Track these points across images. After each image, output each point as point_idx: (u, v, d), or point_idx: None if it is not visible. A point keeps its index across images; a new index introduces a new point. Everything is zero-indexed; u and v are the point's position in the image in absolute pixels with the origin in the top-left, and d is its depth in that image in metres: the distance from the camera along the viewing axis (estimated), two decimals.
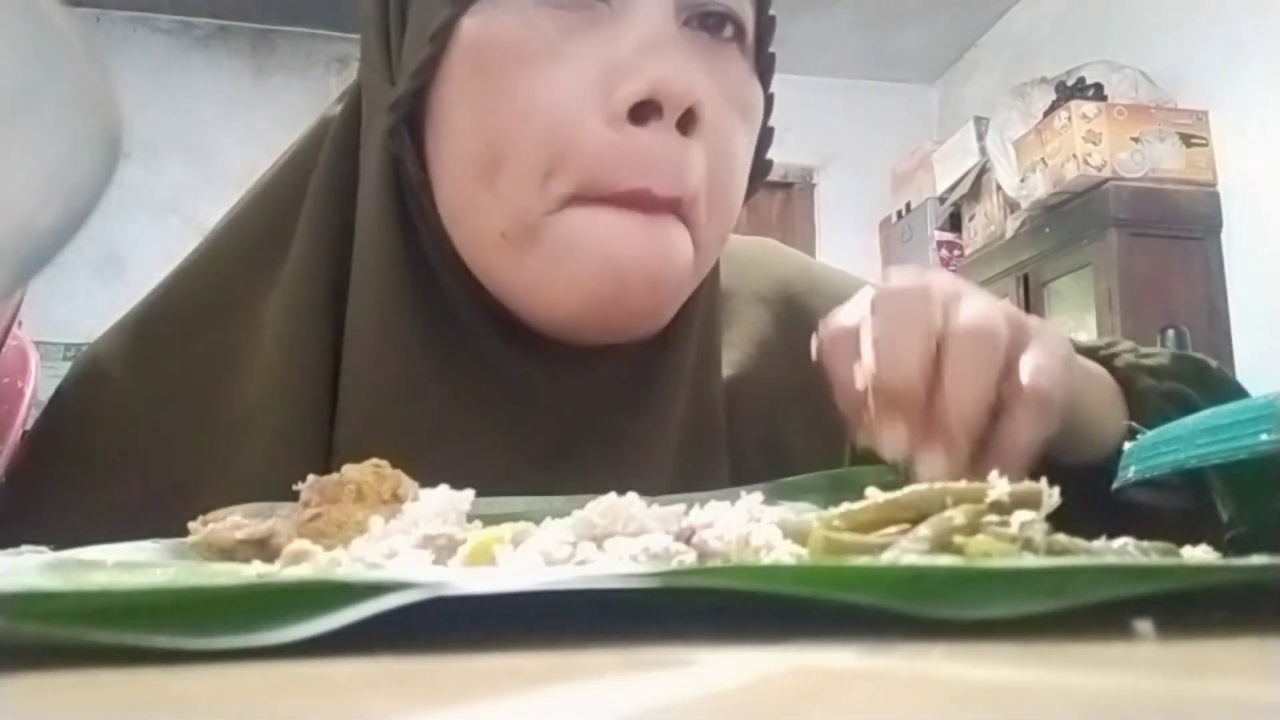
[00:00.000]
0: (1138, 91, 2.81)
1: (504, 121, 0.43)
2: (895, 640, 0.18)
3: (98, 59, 0.29)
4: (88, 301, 3.40)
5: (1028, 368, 0.36)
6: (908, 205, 3.75)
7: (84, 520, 0.46)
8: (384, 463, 0.36)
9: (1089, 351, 0.49)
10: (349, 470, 0.36)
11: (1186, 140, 2.70)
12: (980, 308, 0.37)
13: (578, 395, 0.48)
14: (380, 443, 0.40)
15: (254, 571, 0.27)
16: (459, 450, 0.46)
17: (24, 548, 0.34)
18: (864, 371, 0.36)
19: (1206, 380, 0.50)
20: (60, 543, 0.34)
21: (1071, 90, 2.84)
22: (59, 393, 0.55)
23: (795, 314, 0.56)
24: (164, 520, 0.37)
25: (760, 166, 0.50)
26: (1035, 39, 3.45)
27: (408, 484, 0.36)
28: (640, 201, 0.42)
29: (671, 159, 0.43)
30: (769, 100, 0.50)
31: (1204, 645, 0.18)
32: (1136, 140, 2.68)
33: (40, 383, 0.67)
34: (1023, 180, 2.92)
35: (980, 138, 3.27)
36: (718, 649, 0.18)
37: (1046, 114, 2.84)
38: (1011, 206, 3.06)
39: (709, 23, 0.46)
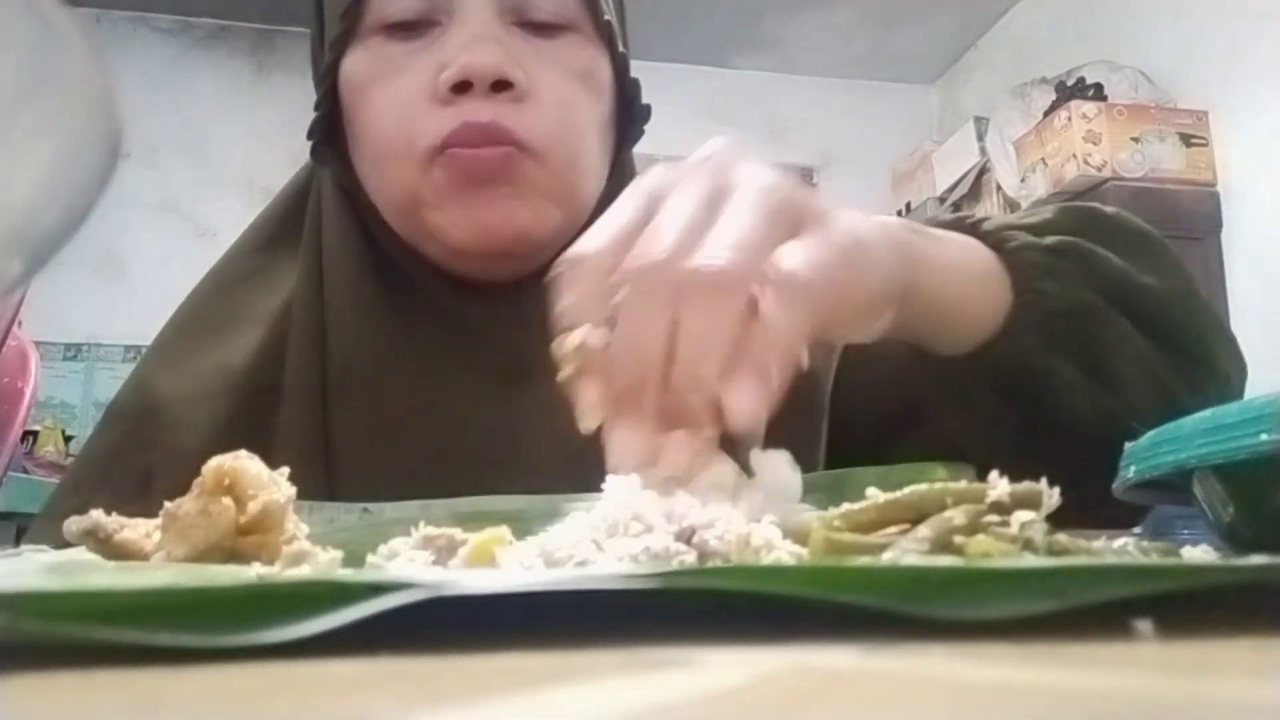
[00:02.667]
0: (1138, 91, 2.82)
1: (376, 125, 0.57)
2: (895, 640, 0.18)
3: (98, 59, 0.29)
4: (88, 301, 3.40)
5: (784, 255, 0.32)
6: (908, 205, 3.75)
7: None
8: (243, 452, 0.34)
9: (953, 225, 0.46)
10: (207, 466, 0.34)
11: (1186, 140, 2.70)
12: (735, 225, 0.32)
13: (511, 325, 0.56)
14: (363, 391, 0.57)
15: (254, 572, 0.27)
16: (421, 380, 0.57)
17: (23, 548, 0.34)
18: (584, 346, 0.33)
19: (1102, 226, 0.47)
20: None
21: (1071, 90, 2.84)
22: (112, 407, 0.62)
23: None
24: None
25: (637, 111, 0.62)
26: (1035, 39, 3.45)
27: (251, 480, 0.34)
28: (468, 136, 0.53)
29: (482, 104, 0.53)
30: (623, 59, 0.60)
31: (1204, 645, 0.18)
32: (1136, 140, 2.68)
33: (40, 382, 0.68)
34: (1023, 180, 2.92)
35: (980, 138, 3.27)
36: (718, 649, 0.18)
37: (1046, 114, 2.84)
38: (1011, 206, 3.06)
39: (540, 29, 0.57)
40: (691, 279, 0.31)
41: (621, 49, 0.61)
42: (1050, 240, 0.45)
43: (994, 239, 0.45)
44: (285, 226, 0.65)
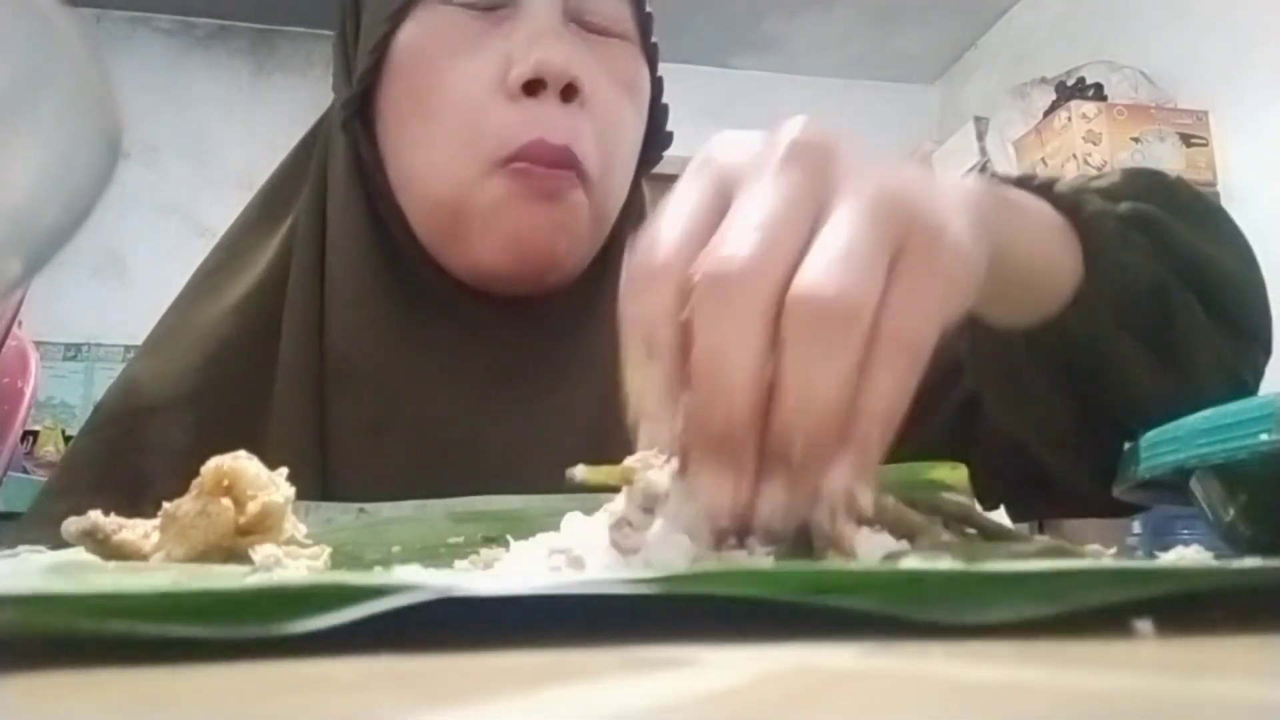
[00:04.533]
0: (1138, 91, 2.81)
1: (431, 108, 0.54)
2: (895, 640, 0.18)
3: (98, 59, 0.29)
4: (88, 301, 3.40)
5: (899, 308, 0.26)
6: None
7: None
8: (242, 453, 0.34)
9: (1019, 183, 0.42)
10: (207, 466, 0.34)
11: (1186, 140, 2.70)
12: (844, 238, 0.26)
13: (516, 325, 0.57)
14: (362, 390, 0.55)
15: (259, 574, 0.27)
16: (422, 379, 0.55)
17: (20, 548, 0.34)
18: (661, 384, 0.27)
19: (1169, 194, 0.44)
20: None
21: (1071, 90, 2.84)
22: (98, 409, 0.61)
23: None
24: None
25: (662, 138, 0.62)
26: (1035, 39, 3.45)
27: (250, 480, 0.33)
28: (540, 153, 0.52)
29: (556, 117, 0.52)
30: (658, 83, 0.61)
31: (1204, 645, 0.18)
32: (1136, 140, 2.68)
33: (40, 382, 0.68)
34: None
35: (980, 138, 3.27)
36: (718, 649, 0.18)
37: (1046, 114, 2.84)
38: None
39: (596, 27, 0.56)
40: (801, 306, 0.25)
41: (659, 73, 0.61)
42: (1124, 208, 0.41)
43: (1068, 202, 0.41)
44: (276, 209, 0.63)
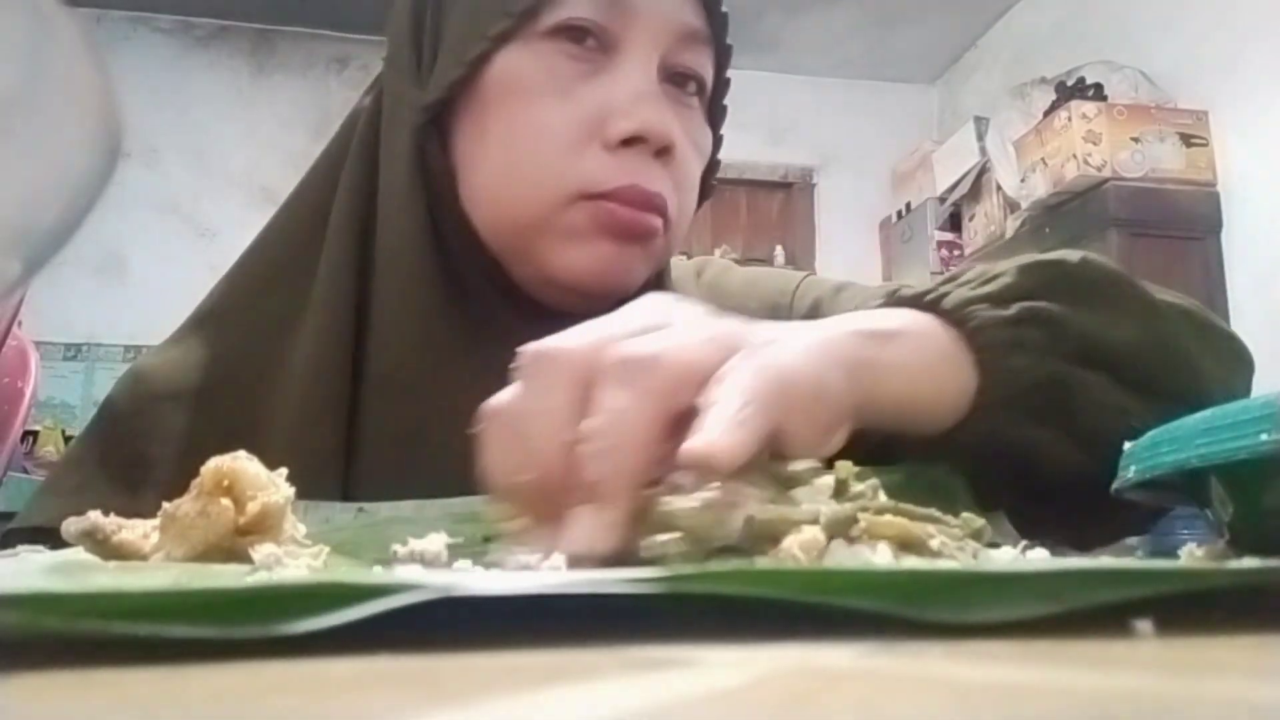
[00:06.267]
0: (1138, 91, 2.82)
1: (525, 140, 0.55)
2: (895, 640, 0.18)
3: (98, 59, 0.29)
4: (88, 301, 3.40)
5: (692, 438, 0.30)
6: (908, 205, 3.75)
7: None
8: (242, 453, 0.34)
9: (911, 302, 0.45)
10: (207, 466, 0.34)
11: (1186, 140, 2.70)
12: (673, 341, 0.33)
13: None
14: (400, 401, 0.55)
15: (260, 573, 0.27)
16: (466, 394, 0.53)
17: (20, 548, 0.34)
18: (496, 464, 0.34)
19: (1067, 282, 0.46)
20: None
21: (1071, 90, 2.84)
22: (109, 401, 0.60)
23: (719, 286, 0.68)
24: None
25: (705, 190, 0.64)
26: (1035, 39, 3.45)
27: (249, 480, 0.34)
28: (632, 197, 0.54)
29: (652, 169, 0.55)
30: (718, 141, 0.64)
31: (1204, 645, 0.18)
32: (1136, 140, 2.68)
33: (40, 382, 0.67)
34: (1023, 180, 2.92)
35: (980, 138, 3.27)
36: (718, 649, 0.18)
37: (1046, 114, 2.85)
38: (1011, 206, 3.07)
39: (679, 80, 0.59)
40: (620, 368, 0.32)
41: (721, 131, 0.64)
42: (1014, 310, 0.44)
43: (954, 317, 0.43)
44: (313, 224, 0.61)
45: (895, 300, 0.46)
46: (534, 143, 0.55)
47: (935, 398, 0.42)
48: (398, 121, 0.59)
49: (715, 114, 0.63)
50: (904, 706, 0.14)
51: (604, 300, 0.55)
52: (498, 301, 0.57)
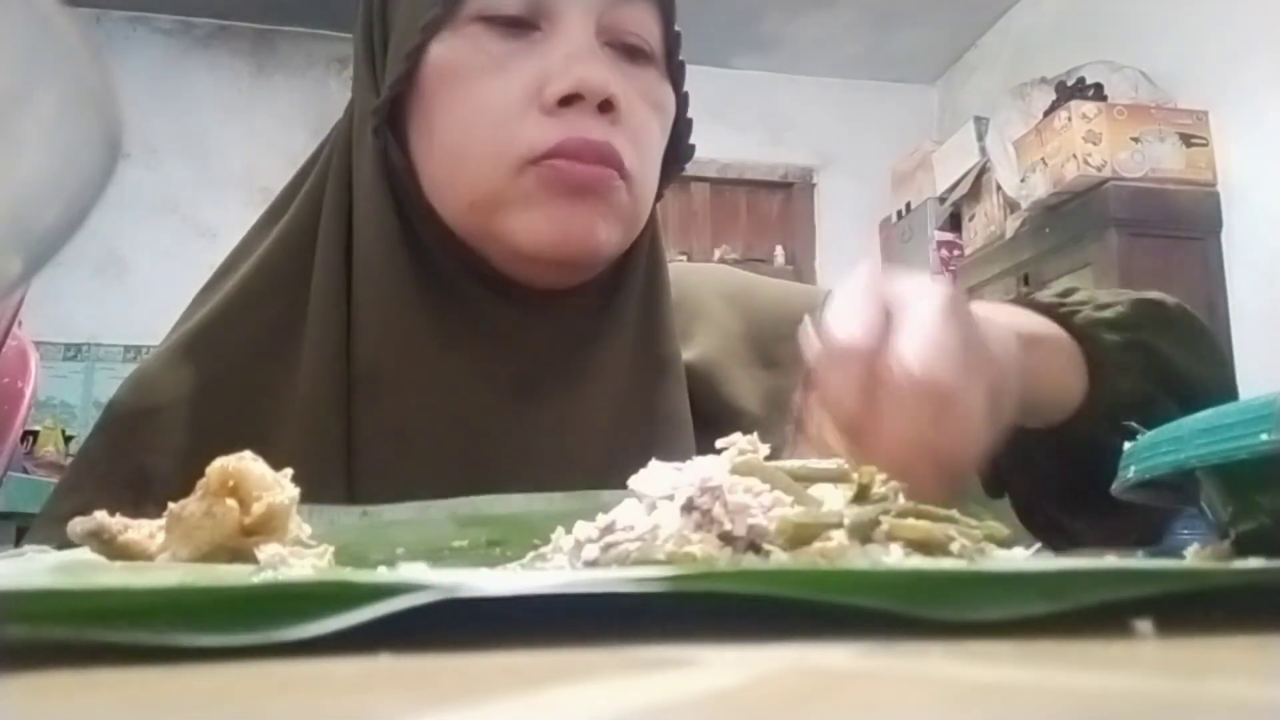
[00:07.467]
0: (1138, 91, 2.82)
1: (466, 120, 0.56)
2: (895, 640, 0.18)
3: (98, 59, 0.29)
4: (88, 301, 3.40)
5: (935, 442, 0.36)
6: (908, 205, 3.75)
7: None
8: (247, 454, 0.34)
9: (1047, 309, 0.52)
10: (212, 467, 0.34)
11: (1186, 140, 2.70)
12: (919, 349, 0.37)
13: (543, 333, 0.60)
14: (390, 397, 0.56)
15: (264, 573, 0.27)
16: (449, 385, 0.57)
17: (26, 548, 0.34)
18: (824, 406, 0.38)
19: (1166, 322, 0.55)
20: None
21: (1071, 90, 2.84)
22: (110, 406, 0.61)
23: (747, 298, 0.70)
24: None
25: (684, 151, 0.65)
26: (1035, 39, 3.45)
27: (255, 481, 0.33)
28: (576, 149, 0.54)
29: (593, 124, 0.55)
30: (684, 99, 0.63)
31: (1204, 645, 0.18)
32: (1136, 140, 2.68)
33: (40, 382, 0.67)
34: (1023, 180, 2.92)
35: (980, 138, 3.27)
36: (718, 649, 0.18)
37: (1046, 114, 2.84)
38: (1011, 206, 3.07)
39: (624, 42, 0.59)
40: (942, 409, 0.36)
41: (685, 89, 0.63)
42: (1125, 337, 0.52)
43: (1082, 333, 0.51)
44: (284, 212, 0.63)
45: (1029, 303, 0.53)
46: (475, 121, 0.56)
47: (1054, 398, 0.49)
48: (362, 129, 0.61)
49: (675, 71, 0.63)
50: (904, 706, 0.14)
51: (574, 267, 0.58)
52: (475, 288, 0.59)
